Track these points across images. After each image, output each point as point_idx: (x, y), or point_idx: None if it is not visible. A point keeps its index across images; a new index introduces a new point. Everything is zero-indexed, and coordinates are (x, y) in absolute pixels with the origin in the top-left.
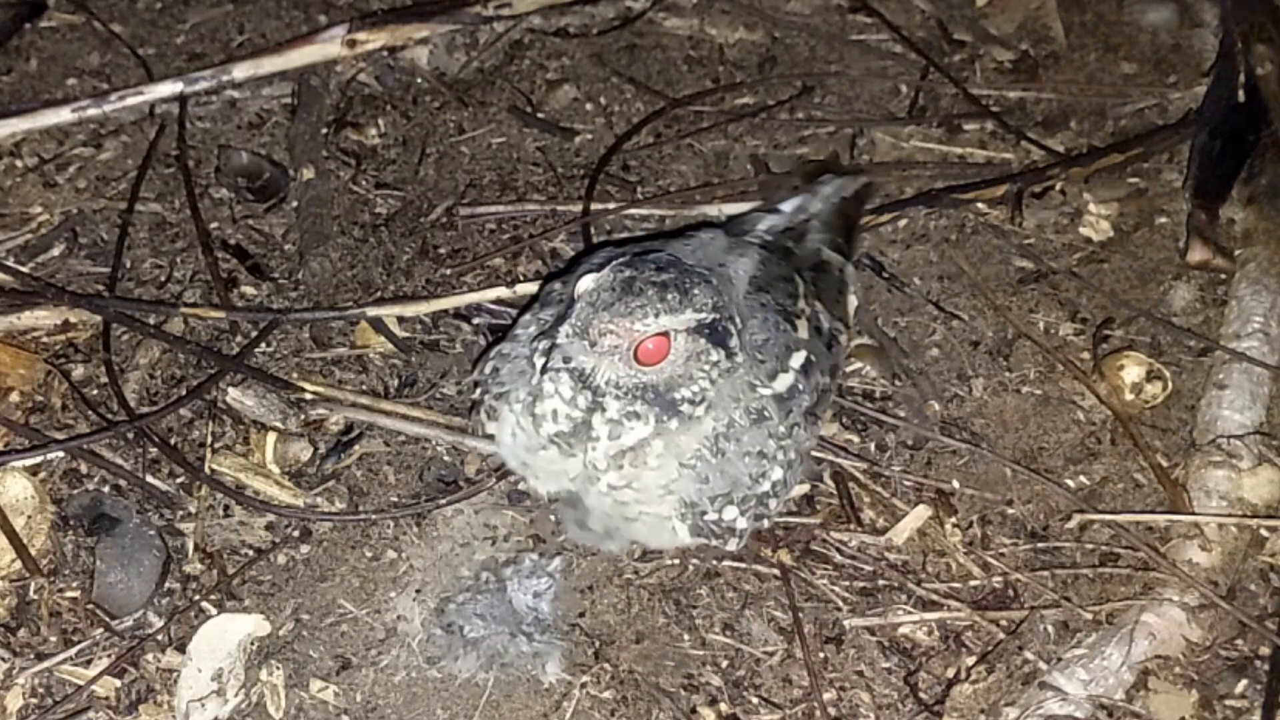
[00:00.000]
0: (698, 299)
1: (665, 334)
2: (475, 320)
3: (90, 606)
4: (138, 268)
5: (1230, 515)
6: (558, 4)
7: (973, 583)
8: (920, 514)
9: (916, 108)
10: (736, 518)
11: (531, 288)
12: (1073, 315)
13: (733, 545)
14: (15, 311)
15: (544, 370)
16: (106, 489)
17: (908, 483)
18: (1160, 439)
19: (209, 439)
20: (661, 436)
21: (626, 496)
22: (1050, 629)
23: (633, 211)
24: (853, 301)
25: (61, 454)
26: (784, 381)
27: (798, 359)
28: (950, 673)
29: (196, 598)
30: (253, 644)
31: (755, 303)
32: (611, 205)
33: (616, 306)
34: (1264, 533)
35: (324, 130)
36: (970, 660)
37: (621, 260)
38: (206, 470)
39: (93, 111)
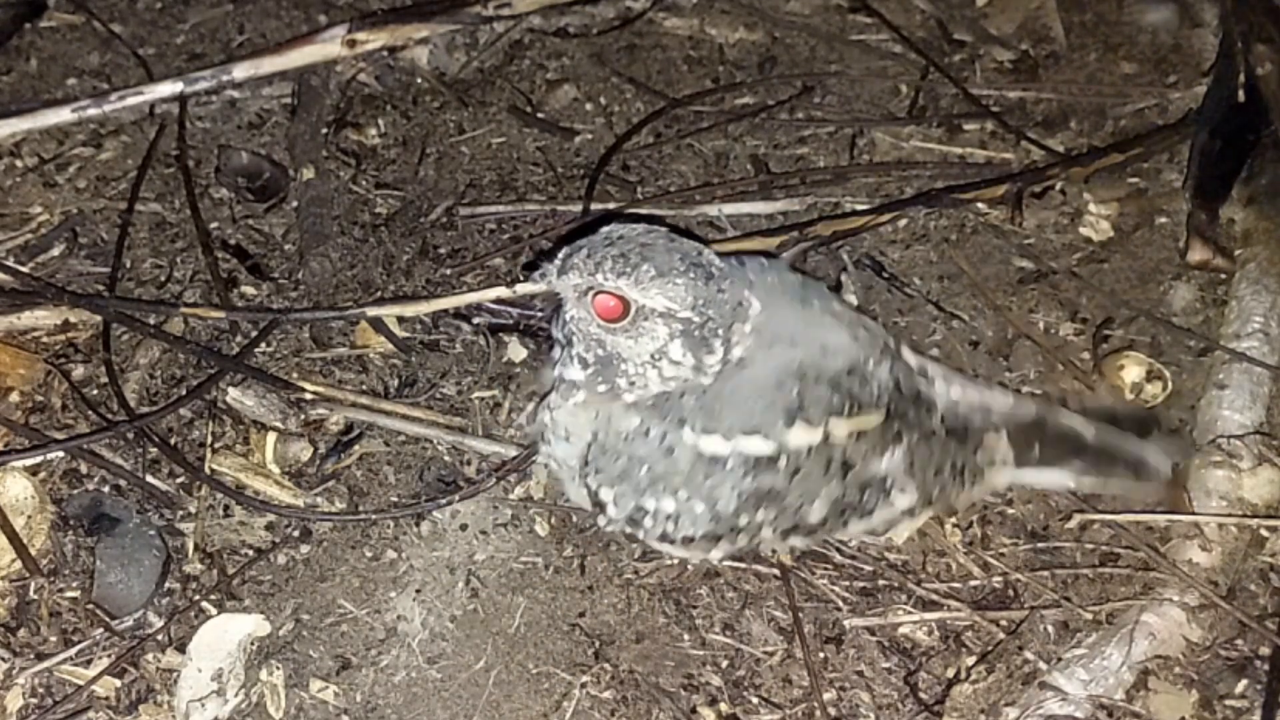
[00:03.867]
0: (673, 290)
1: (623, 299)
2: (475, 320)
3: (90, 606)
4: (138, 268)
5: (1230, 515)
6: (558, 4)
7: (973, 583)
8: None
9: (916, 108)
10: (610, 500)
11: (532, 288)
12: (1073, 315)
13: (602, 521)
14: (15, 311)
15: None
16: (106, 489)
17: None
18: None
19: (209, 439)
20: (588, 400)
21: (555, 446)
22: (1050, 629)
23: (633, 211)
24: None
25: (61, 454)
26: (712, 444)
27: (751, 444)
28: (950, 673)
29: (196, 598)
30: (253, 644)
31: (783, 364)
32: (611, 205)
33: (590, 249)
34: (1264, 533)
35: (324, 130)
36: (970, 660)
37: (637, 223)
38: (206, 470)
39: (93, 111)
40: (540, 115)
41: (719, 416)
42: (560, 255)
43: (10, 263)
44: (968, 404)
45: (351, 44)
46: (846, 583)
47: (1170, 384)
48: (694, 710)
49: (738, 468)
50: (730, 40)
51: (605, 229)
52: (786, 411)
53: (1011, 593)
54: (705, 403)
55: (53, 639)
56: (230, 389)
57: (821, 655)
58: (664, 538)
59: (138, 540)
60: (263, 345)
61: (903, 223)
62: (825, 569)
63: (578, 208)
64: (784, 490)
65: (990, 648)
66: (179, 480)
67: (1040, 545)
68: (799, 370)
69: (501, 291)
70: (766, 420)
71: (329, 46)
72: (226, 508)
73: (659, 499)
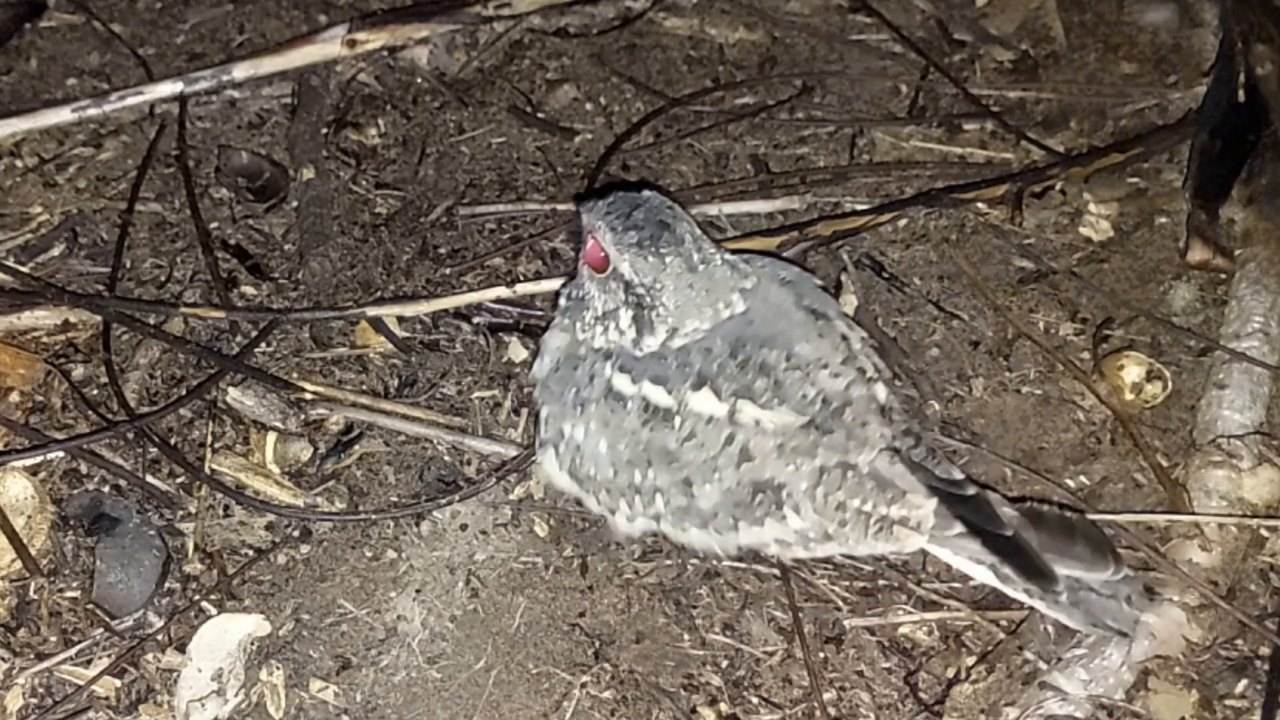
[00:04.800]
0: (641, 264)
1: (607, 254)
2: (475, 320)
3: (90, 606)
4: (138, 268)
5: (1230, 515)
6: (558, 4)
7: (973, 583)
8: None
9: (916, 108)
10: (543, 420)
11: (532, 288)
12: (1073, 315)
13: (538, 452)
14: (15, 311)
15: None
16: (106, 489)
17: None
18: (1160, 439)
19: (209, 439)
20: (561, 327)
21: (538, 361)
22: (1050, 629)
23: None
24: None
25: (61, 454)
26: (622, 382)
27: (653, 392)
28: (950, 673)
29: (196, 598)
30: (253, 644)
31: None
32: None
33: (618, 200)
34: (1264, 533)
35: (324, 130)
36: (970, 660)
37: (667, 202)
38: (206, 470)
39: (93, 111)
40: (540, 115)
41: (639, 359)
42: (607, 195)
43: (10, 263)
44: (918, 458)
45: (351, 44)
46: (846, 583)
47: (1170, 384)
48: (694, 710)
49: (637, 411)
50: (730, 40)
51: (649, 192)
52: (699, 373)
53: None
54: (674, 357)
55: (53, 639)
56: (230, 389)
57: (821, 655)
58: (573, 473)
59: (138, 540)
60: (263, 345)
61: (903, 223)
62: (825, 569)
63: None
64: (676, 453)
65: (990, 648)
66: (179, 480)
67: None
68: (735, 342)
69: (501, 291)
70: (676, 375)
71: (329, 46)
72: (226, 508)
73: (574, 425)
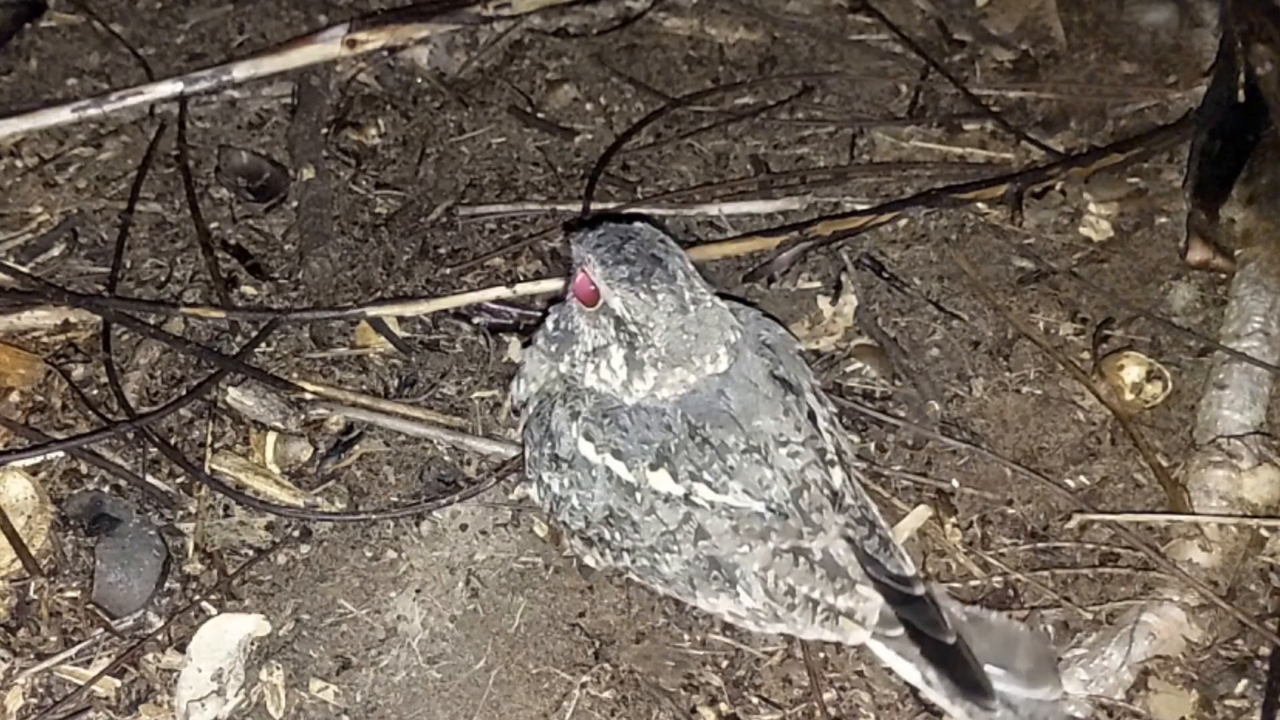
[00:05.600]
0: (633, 301)
1: (597, 288)
2: (475, 320)
3: (90, 606)
4: (138, 268)
5: (1230, 515)
6: (558, 4)
7: (973, 583)
8: (920, 514)
9: (916, 108)
10: (528, 461)
11: (532, 288)
12: (1073, 315)
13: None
14: (15, 311)
15: None
16: (106, 489)
17: (907, 483)
18: (1160, 439)
19: (209, 439)
20: (543, 357)
21: (516, 384)
22: (1050, 629)
23: (632, 211)
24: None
25: (61, 454)
26: (587, 449)
27: (615, 465)
28: None
29: (196, 598)
30: (253, 644)
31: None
32: (611, 205)
33: (607, 232)
34: (1264, 533)
35: (324, 130)
36: None
37: (659, 235)
38: (206, 470)
39: (93, 111)
40: (540, 115)
41: (602, 425)
42: (597, 228)
43: (10, 263)
44: (870, 550)
45: (351, 44)
46: None
47: (1170, 384)
48: (694, 710)
49: (602, 479)
50: (730, 40)
51: (641, 224)
52: (657, 453)
53: (1011, 593)
54: (600, 407)
55: (53, 639)
56: (230, 389)
57: (821, 655)
58: (552, 514)
59: (138, 540)
60: (263, 345)
61: (903, 223)
62: None
63: (578, 208)
64: (639, 524)
65: None
66: (179, 480)
67: (1040, 545)
68: (696, 419)
69: (501, 291)
70: (635, 452)
71: (329, 46)
72: (226, 508)
73: (550, 477)
